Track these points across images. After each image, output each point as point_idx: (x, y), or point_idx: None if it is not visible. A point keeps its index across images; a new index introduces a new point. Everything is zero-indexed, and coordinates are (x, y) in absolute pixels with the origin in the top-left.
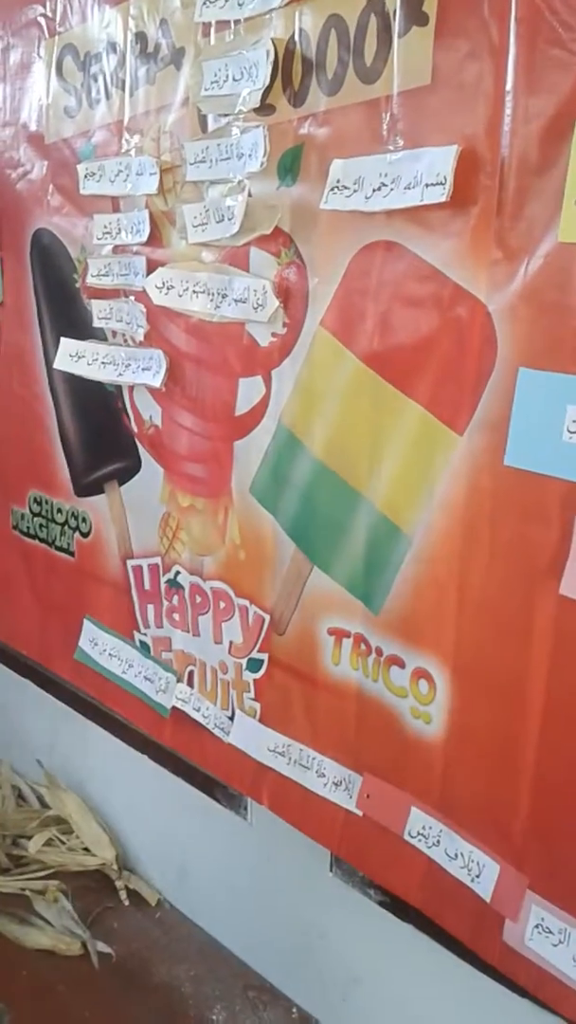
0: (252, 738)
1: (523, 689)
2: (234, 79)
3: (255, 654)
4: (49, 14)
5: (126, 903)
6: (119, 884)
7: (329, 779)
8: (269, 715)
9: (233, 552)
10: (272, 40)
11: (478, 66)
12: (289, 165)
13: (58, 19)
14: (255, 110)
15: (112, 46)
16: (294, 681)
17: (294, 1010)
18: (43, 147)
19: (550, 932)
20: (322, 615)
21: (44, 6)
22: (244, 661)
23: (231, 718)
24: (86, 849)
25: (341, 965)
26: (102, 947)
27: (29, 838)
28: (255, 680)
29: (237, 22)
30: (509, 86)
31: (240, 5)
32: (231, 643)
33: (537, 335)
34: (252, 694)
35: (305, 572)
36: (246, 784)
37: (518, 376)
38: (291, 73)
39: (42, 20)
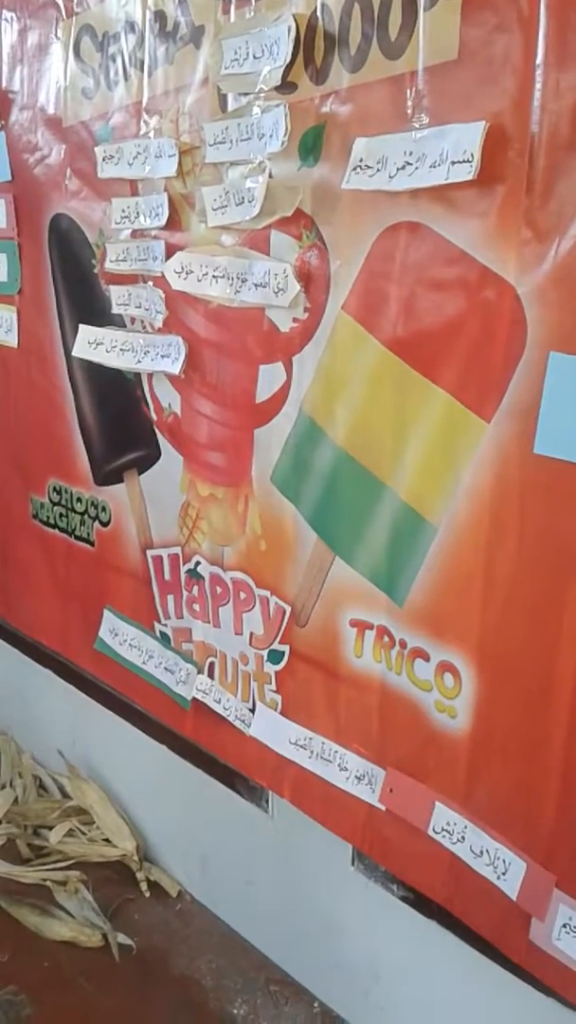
0: (273, 731)
1: (551, 683)
2: (255, 57)
3: (276, 645)
4: None
5: (147, 894)
6: (140, 875)
7: (351, 773)
8: (290, 707)
9: (254, 542)
10: (294, 16)
11: (507, 39)
12: (311, 144)
13: None
14: (276, 88)
15: (130, 25)
16: (316, 673)
17: (316, 1005)
18: (61, 130)
19: None
20: (344, 606)
21: None
22: (265, 652)
23: (252, 710)
24: (107, 840)
25: (363, 960)
26: (123, 939)
27: (50, 828)
28: (276, 672)
29: None
30: (539, 60)
31: None
32: (252, 634)
33: (569, 318)
34: (273, 686)
35: (327, 563)
36: (267, 777)
37: (549, 360)
38: (313, 49)
39: (59, 1)
